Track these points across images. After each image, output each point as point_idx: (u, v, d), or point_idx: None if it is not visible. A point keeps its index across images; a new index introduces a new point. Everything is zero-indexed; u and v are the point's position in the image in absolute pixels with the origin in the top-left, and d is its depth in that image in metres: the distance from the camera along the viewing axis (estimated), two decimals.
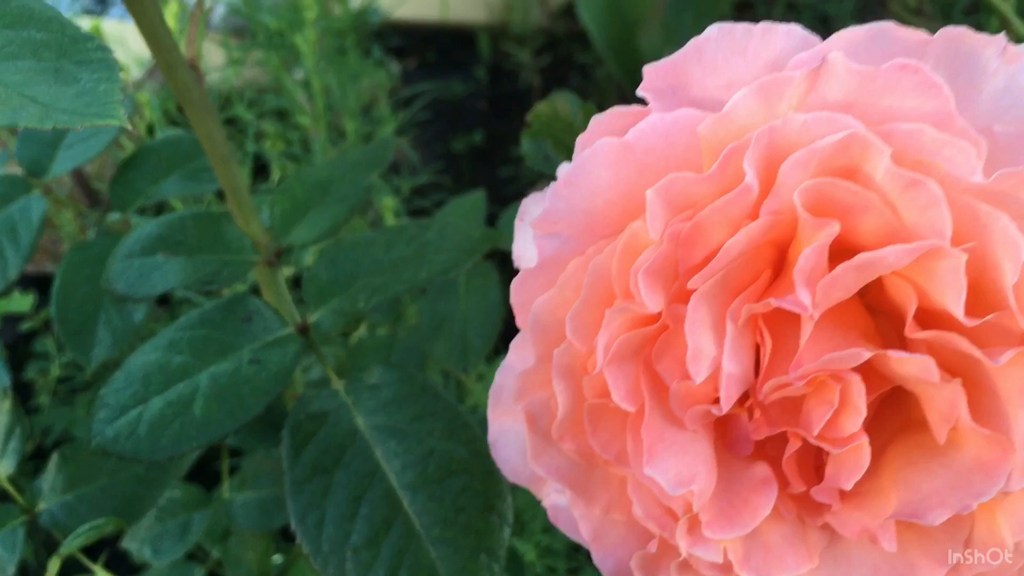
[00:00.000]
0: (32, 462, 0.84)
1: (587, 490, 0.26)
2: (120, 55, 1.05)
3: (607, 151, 0.24)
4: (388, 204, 0.76)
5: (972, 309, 0.22)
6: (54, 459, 0.48)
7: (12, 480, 0.47)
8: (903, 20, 0.79)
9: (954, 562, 0.24)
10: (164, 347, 0.36)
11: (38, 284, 1.11)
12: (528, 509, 0.86)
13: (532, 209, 0.29)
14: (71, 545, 0.40)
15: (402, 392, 0.36)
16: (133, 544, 0.56)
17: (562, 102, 0.43)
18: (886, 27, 0.23)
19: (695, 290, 0.23)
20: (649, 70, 0.24)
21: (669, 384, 0.24)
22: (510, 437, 0.28)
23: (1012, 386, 0.22)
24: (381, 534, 0.35)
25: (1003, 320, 0.22)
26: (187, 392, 0.35)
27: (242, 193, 0.44)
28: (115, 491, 0.47)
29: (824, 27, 1.36)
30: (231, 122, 0.91)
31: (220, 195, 1.02)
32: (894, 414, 0.26)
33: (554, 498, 0.28)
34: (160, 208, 0.96)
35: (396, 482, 0.35)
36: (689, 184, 0.23)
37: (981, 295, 0.22)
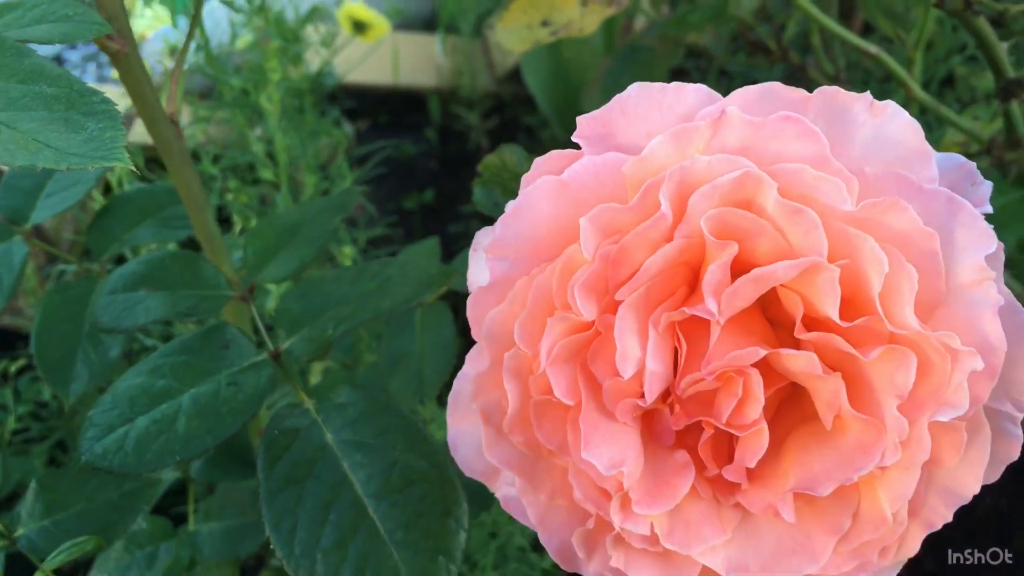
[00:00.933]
0: None
1: (534, 478, 0.30)
2: None
3: (547, 187, 0.28)
4: (347, 252, 0.80)
5: (848, 315, 0.27)
6: (32, 487, 0.50)
7: None
8: (819, 84, 0.85)
9: (844, 531, 0.29)
10: (147, 372, 0.40)
11: None
12: (479, 549, 0.89)
13: (483, 240, 0.33)
14: (55, 560, 0.42)
15: (367, 410, 0.40)
16: (102, 575, 0.59)
17: (509, 154, 0.48)
18: (775, 86, 0.29)
19: (622, 301, 0.28)
20: (582, 120, 0.29)
21: (602, 382, 0.28)
22: (466, 438, 0.32)
23: (883, 379, 0.27)
24: (349, 538, 0.38)
25: (873, 323, 0.27)
26: (170, 411, 0.39)
27: (215, 238, 0.48)
28: (91, 517, 0.50)
29: None
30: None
31: (184, 243, 1.05)
32: (792, 410, 0.30)
33: (506, 490, 0.32)
34: (120, 259, 0.99)
35: (362, 491, 0.39)
36: (616, 213, 0.28)
37: (856, 304, 0.27)
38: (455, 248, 1.37)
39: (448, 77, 1.60)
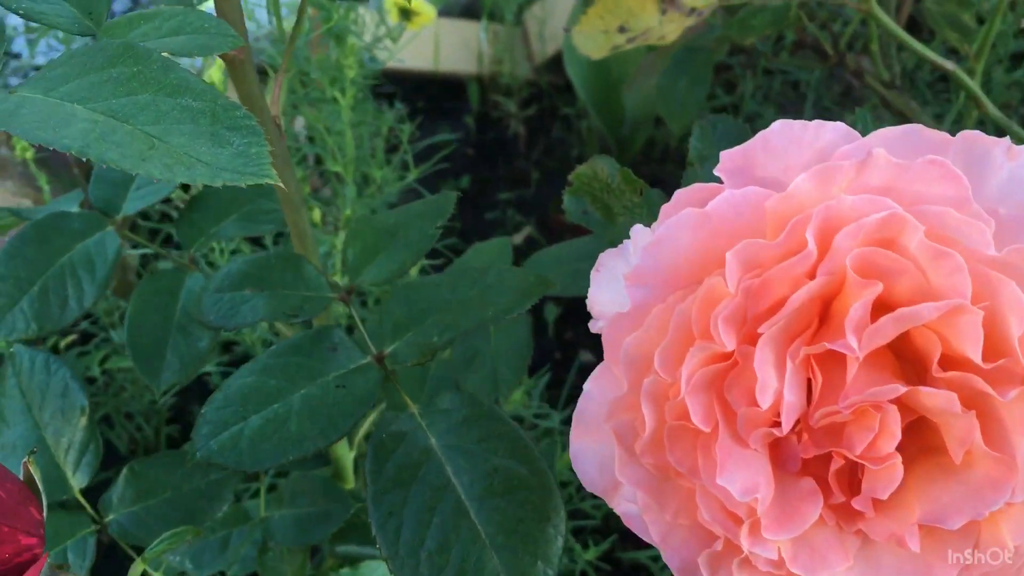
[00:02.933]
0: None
1: (660, 499, 0.31)
2: None
3: (689, 218, 0.29)
4: None
5: (986, 355, 0.28)
6: (124, 473, 0.52)
7: (83, 492, 0.51)
8: (876, 92, 0.86)
9: (964, 563, 0.30)
10: (259, 371, 0.41)
11: None
12: None
13: (608, 262, 0.34)
14: (157, 548, 0.44)
15: (470, 416, 0.41)
16: (174, 557, 0.60)
17: (601, 165, 0.49)
18: (917, 128, 0.29)
19: (762, 334, 0.28)
20: (724, 155, 0.30)
21: (737, 410, 0.29)
22: (588, 454, 0.33)
23: (1016, 418, 0.28)
24: (452, 540, 0.39)
25: (1009, 365, 0.28)
26: (283, 411, 0.40)
27: (308, 236, 0.49)
28: (179, 504, 0.52)
29: (795, 90, 1.45)
30: None
31: (252, 240, 1.06)
32: (915, 440, 0.31)
33: (625, 506, 0.33)
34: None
35: (464, 495, 0.40)
36: (760, 248, 0.29)
37: (992, 345, 0.28)
38: (491, 236, 1.38)
39: (488, 64, 1.61)
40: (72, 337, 1.10)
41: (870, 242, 0.28)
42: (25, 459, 0.37)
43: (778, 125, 0.30)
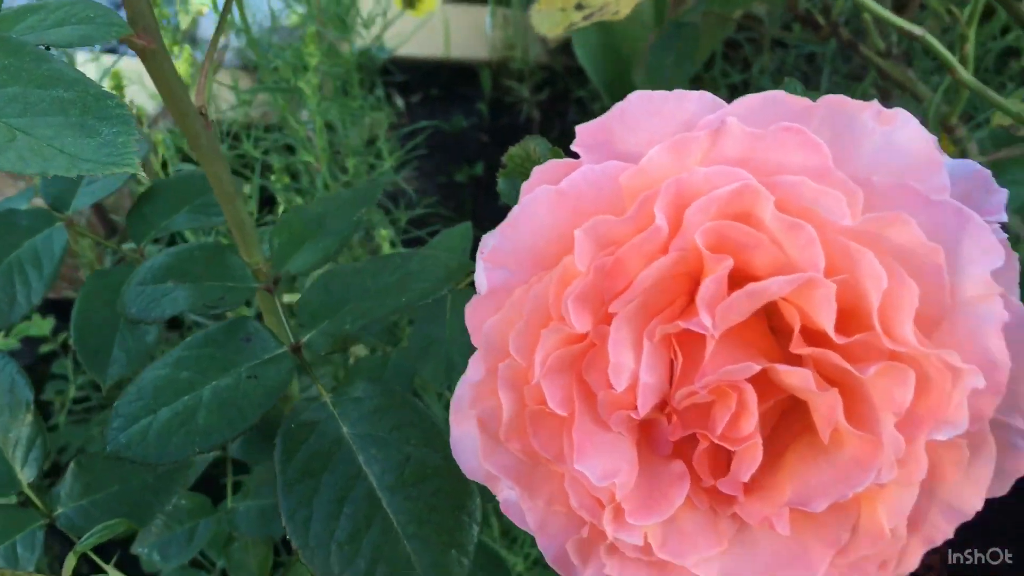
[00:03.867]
0: (49, 478, 0.89)
1: (532, 485, 0.30)
2: (137, 92, 1.10)
3: (545, 197, 0.28)
4: (384, 235, 0.80)
5: (849, 329, 0.27)
6: (71, 468, 0.52)
7: (32, 487, 0.51)
8: (873, 63, 0.83)
9: (842, 545, 0.28)
10: (172, 364, 0.41)
11: (56, 309, 1.16)
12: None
13: (489, 243, 0.33)
14: (87, 542, 0.44)
15: (383, 404, 0.41)
16: (143, 549, 0.61)
17: (534, 145, 0.48)
18: (778, 94, 0.28)
19: (617, 313, 0.27)
20: (580, 129, 0.29)
21: (597, 393, 0.28)
22: (468, 441, 0.32)
23: (881, 395, 0.27)
24: (362, 530, 0.39)
25: (871, 339, 0.26)
26: (192, 404, 0.40)
27: (246, 227, 0.49)
28: (126, 497, 0.52)
29: (811, 63, 1.41)
30: (241, 157, 0.96)
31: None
32: (795, 422, 0.30)
33: (506, 493, 0.32)
34: (172, 240, 1.01)
35: (376, 484, 0.39)
36: (611, 225, 0.27)
37: (856, 318, 0.27)
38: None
39: (499, 50, 1.60)
40: None
41: (723, 215, 0.27)
42: None
43: (636, 96, 0.29)
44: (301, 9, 1.09)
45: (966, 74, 0.60)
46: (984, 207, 0.29)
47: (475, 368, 0.31)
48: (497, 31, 1.58)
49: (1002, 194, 0.29)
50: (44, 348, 1.12)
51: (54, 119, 0.32)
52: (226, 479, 0.64)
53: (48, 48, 0.35)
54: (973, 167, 0.29)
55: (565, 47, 1.58)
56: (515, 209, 0.29)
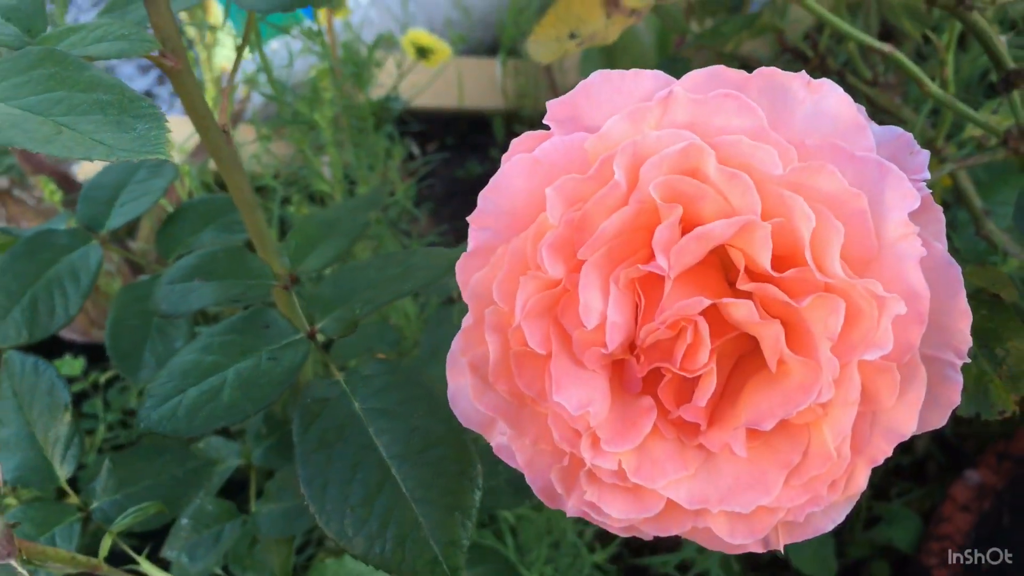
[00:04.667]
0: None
1: (519, 424, 0.34)
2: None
3: (521, 164, 0.33)
4: None
5: (786, 269, 0.30)
6: (106, 464, 0.56)
7: (70, 482, 0.55)
8: (860, 91, 0.87)
9: (794, 466, 0.32)
10: (199, 349, 0.45)
11: (88, 351, 1.21)
12: (533, 544, 0.92)
13: None
14: (123, 522, 0.48)
15: (391, 381, 0.44)
16: (172, 552, 0.64)
17: None
18: (720, 68, 0.32)
19: (585, 260, 0.31)
20: (551, 104, 0.33)
21: (571, 333, 0.32)
22: (464, 392, 0.36)
23: (817, 324, 0.30)
24: (374, 495, 0.42)
25: (805, 275, 0.30)
26: (217, 383, 0.44)
27: (264, 234, 0.53)
28: (157, 491, 0.56)
29: None
30: (260, 190, 1.02)
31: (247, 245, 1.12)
32: (747, 365, 0.34)
33: (499, 439, 0.36)
34: None
35: (386, 453, 0.43)
36: (578, 183, 0.32)
37: (792, 259, 0.31)
38: None
39: (512, 99, 1.66)
40: (112, 372, 1.16)
41: (674, 171, 0.31)
42: None
43: (597, 75, 0.33)
44: (316, 63, 1.16)
45: (934, 87, 0.64)
46: (909, 167, 0.32)
47: (465, 319, 0.35)
48: (508, 81, 1.65)
49: (924, 155, 0.33)
50: (75, 387, 1.16)
51: (94, 117, 0.37)
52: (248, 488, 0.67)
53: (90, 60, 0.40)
54: (897, 131, 0.33)
55: None
56: (496, 176, 0.33)
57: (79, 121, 0.36)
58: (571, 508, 0.34)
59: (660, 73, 0.33)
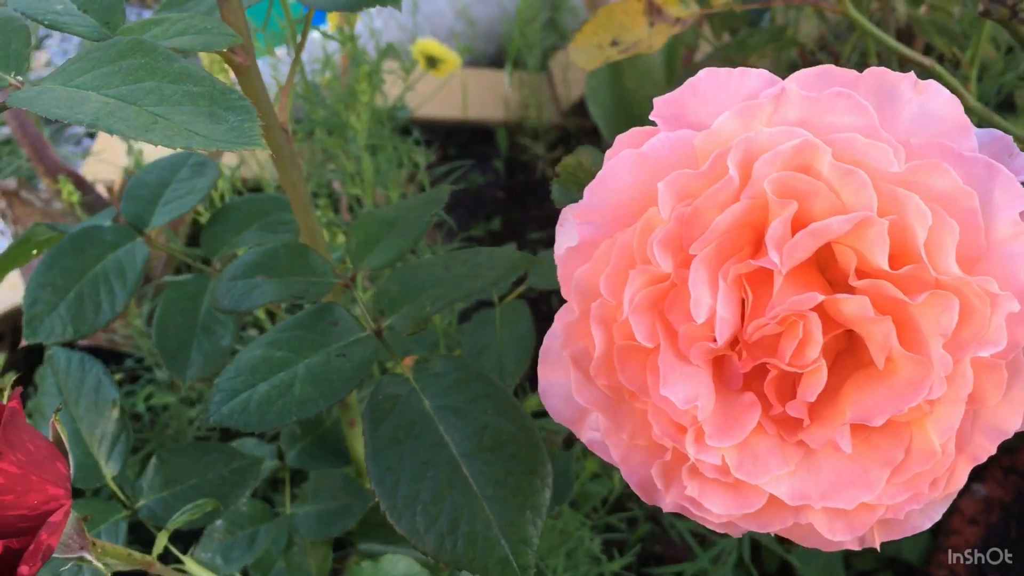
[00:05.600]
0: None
1: (617, 419, 0.34)
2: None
3: (628, 159, 0.33)
4: None
5: (898, 266, 0.31)
6: (153, 462, 0.56)
7: (116, 480, 0.55)
8: None
9: (897, 463, 0.32)
10: (267, 345, 0.45)
11: (91, 355, 1.19)
12: (550, 552, 0.92)
13: (568, 216, 0.37)
14: (179, 519, 0.47)
15: (460, 379, 0.44)
16: (206, 554, 0.63)
17: (585, 155, 0.52)
18: (830, 68, 0.33)
19: (695, 256, 0.32)
20: (658, 102, 0.33)
21: (678, 328, 0.32)
22: (555, 388, 0.36)
23: (929, 321, 0.31)
24: (445, 492, 0.42)
25: (919, 272, 0.30)
26: (288, 378, 0.44)
27: (317, 233, 0.53)
28: (204, 489, 0.55)
29: None
30: None
31: None
32: (850, 360, 0.34)
33: (590, 434, 0.36)
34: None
35: (457, 451, 0.43)
36: (689, 179, 0.32)
37: (904, 256, 0.31)
38: None
39: (515, 110, 1.66)
40: (119, 377, 1.15)
41: (787, 168, 0.31)
42: (52, 419, 0.40)
43: (705, 73, 0.33)
44: (333, 70, 1.16)
45: (973, 100, 0.65)
46: (1010, 169, 0.33)
47: (563, 320, 0.35)
48: (512, 93, 1.65)
49: (1023, 157, 0.33)
50: None
51: (186, 108, 0.36)
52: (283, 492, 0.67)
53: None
54: (997, 134, 0.34)
55: (578, 108, 1.65)
56: (601, 171, 0.33)
57: (172, 111, 0.36)
58: (669, 503, 0.34)
59: (766, 72, 0.33)
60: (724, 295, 0.32)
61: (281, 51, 1.40)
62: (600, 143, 1.63)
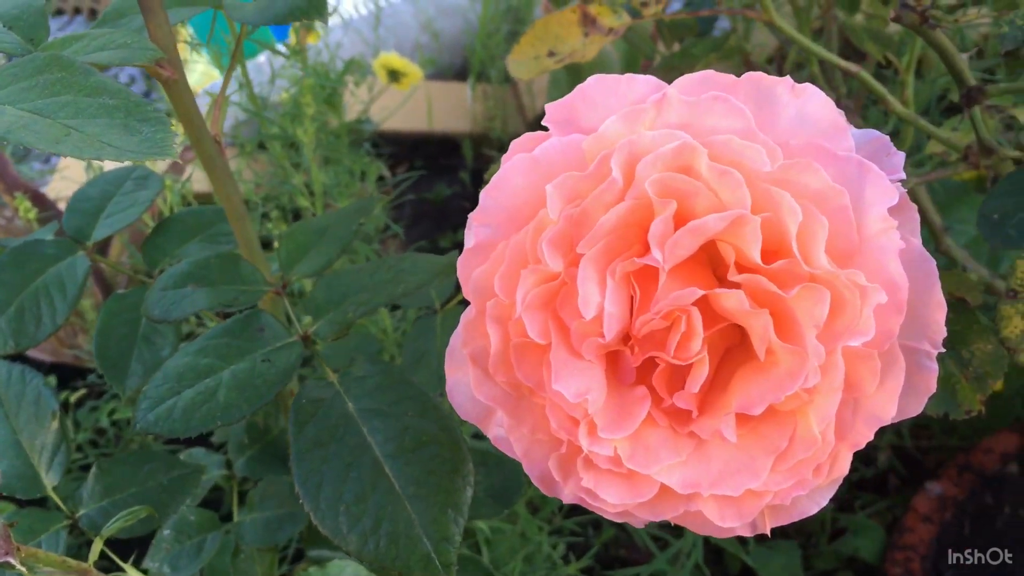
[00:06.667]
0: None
1: (517, 415, 0.35)
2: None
3: (521, 163, 0.34)
4: None
5: (773, 262, 0.32)
6: (93, 471, 0.56)
7: (56, 490, 0.55)
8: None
9: (781, 451, 0.33)
10: (194, 352, 0.46)
11: (56, 371, 1.20)
12: (508, 557, 0.93)
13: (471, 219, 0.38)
14: (113, 526, 0.48)
15: (383, 382, 0.45)
16: (153, 563, 0.64)
17: None
18: (710, 73, 0.34)
19: (583, 254, 0.33)
20: (550, 107, 0.35)
21: (569, 325, 0.34)
22: (461, 387, 0.37)
23: (804, 313, 0.32)
24: (368, 493, 0.43)
25: (792, 266, 0.32)
26: (213, 385, 0.45)
27: (253, 243, 0.54)
28: (144, 498, 0.56)
29: None
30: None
31: None
32: (738, 356, 0.35)
33: (496, 431, 0.37)
34: None
35: (379, 452, 0.44)
36: (577, 181, 0.33)
37: (780, 252, 0.32)
38: None
39: (480, 122, 1.68)
40: (82, 392, 1.16)
41: (668, 169, 0.33)
42: None
43: (594, 80, 0.35)
44: (289, 87, 1.17)
45: (898, 105, 0.67)
46: (886, 168, 0.34)
47: (466, 313, 0.36)
48: (477, 104, 1.67)
49: (900, 156, 0.35)
50: None
51: (101, 120, 0.38)
52: (231, 500, 0.68)
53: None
54: (875, 134, 0.35)
55: (543, 119, 1.66)
56: (496, 175, 0.34)
57: (86, 124, 0.37)
58: (568, 495, 0.35)
59: (652, 78, 0.35)
60: (612, 292, 0.33)
61: (263, 58, 1.41)
62: None
